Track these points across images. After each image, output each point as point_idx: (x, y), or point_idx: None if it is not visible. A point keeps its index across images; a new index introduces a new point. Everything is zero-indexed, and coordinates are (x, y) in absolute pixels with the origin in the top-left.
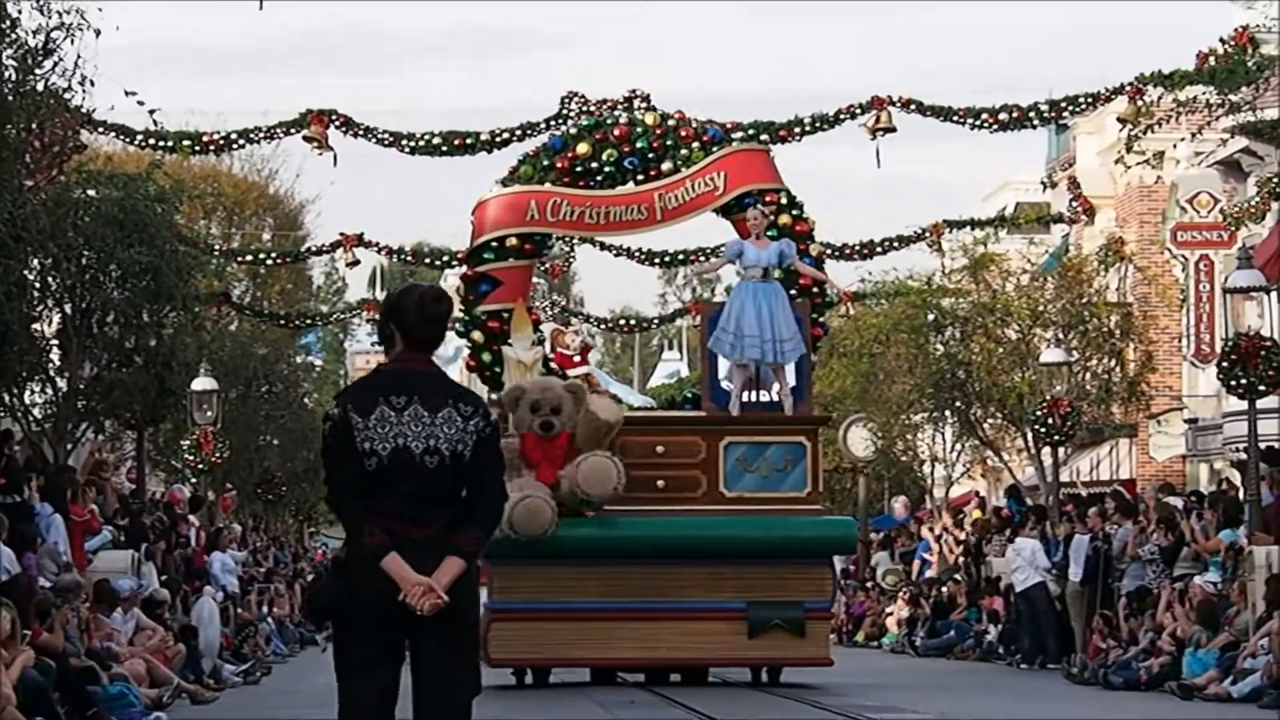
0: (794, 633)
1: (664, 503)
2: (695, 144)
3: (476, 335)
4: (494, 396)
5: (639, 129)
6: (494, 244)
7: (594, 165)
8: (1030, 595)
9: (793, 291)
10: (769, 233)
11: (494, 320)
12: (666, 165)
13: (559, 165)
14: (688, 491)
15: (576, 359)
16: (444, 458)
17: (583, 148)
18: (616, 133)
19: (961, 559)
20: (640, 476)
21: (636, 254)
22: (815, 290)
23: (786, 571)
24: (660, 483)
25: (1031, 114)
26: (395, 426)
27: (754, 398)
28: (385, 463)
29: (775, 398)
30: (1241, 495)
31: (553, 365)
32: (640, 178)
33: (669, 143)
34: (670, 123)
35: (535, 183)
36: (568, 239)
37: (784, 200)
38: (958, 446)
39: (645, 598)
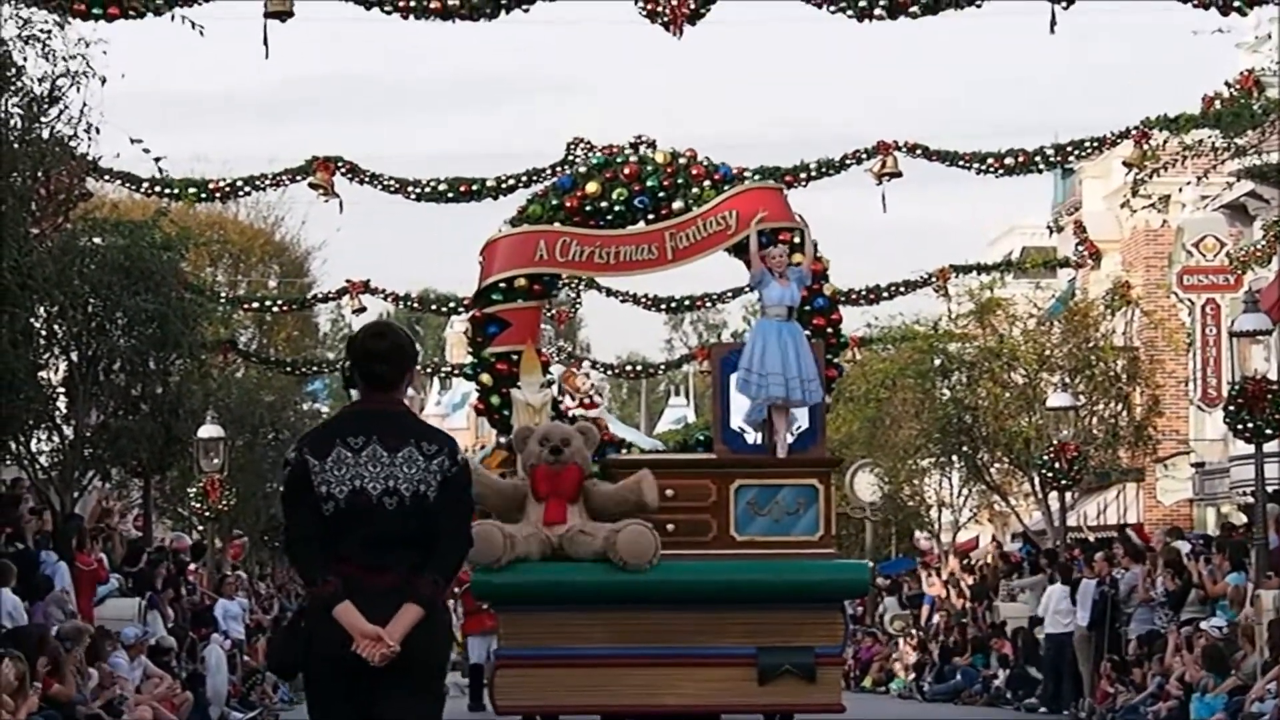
0: (805, 678)
1: (674, 547)
2: (706, 182)
3: (485, 378)
4: (502, 440)
5: (649, 167)
6: (502, 285)
7: (603, 204)
8: (1058, 640)
9: (807, 332)
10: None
11: (502, 363)
12: (678, 204)
13: (568, 205)
14: (698, 535)
15: (586, 402)
16: (404, 499)
17: (592, 187)
18: (626, 171)
19: (969, 604)
20: (650, 521)
21: (643, 300)
22: (830, 331)
23: (797, 616)
24: (670, 526)
25: (1037, 158)
26: (352, 468)
27: (767, 440)
28: (342, 505)
29: (780, 439)
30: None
31: (563, 408)
32: (651, 217)
33: (680, 181)
34: (681, 161)
35: (544, 222)
36: (574, 284)
37: (797, 240)
38: (964, 491)
39: (654, 643)
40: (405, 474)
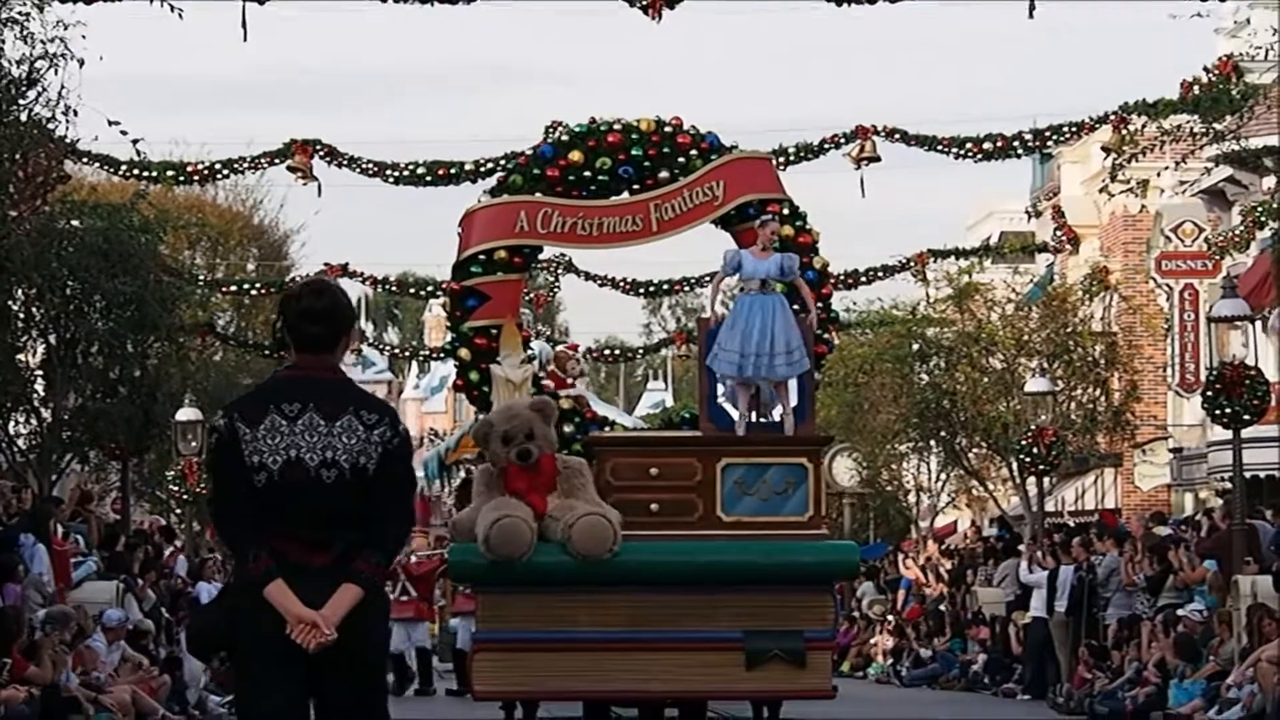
0: (794, 663)
1: (658, 527)
2: (693, 151)
3: (463, 353)
4: (481, 417)
5: (634, 136)
6: (481, 257)
7: (586, 174)
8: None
9: (795, 307)
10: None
11: (481, 337)
12: (663, 174)
13: (550, 174)
14: (683, 515)
15: (571, 382)
16: (343, 471)
17: (575, 155)
18: (610, 140)
19: (946, 589)
20: (633, 500)
21: (621, 283)
22: (820, 305)
23: (786, 599)
24: (654, 506)
25: (1016, 143)
26: (287, 437)
27: (756, 418)
28: (276, 477)
29: (778, 418)
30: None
31: (544, 384)
32: (635, 187)
33: (665, 150)
34: (667, 129)
35: (525, 192)
36: (551, 268)
37: (786, 211)
38: (943, 476)
39: (638, 627)
40: (344, 444)
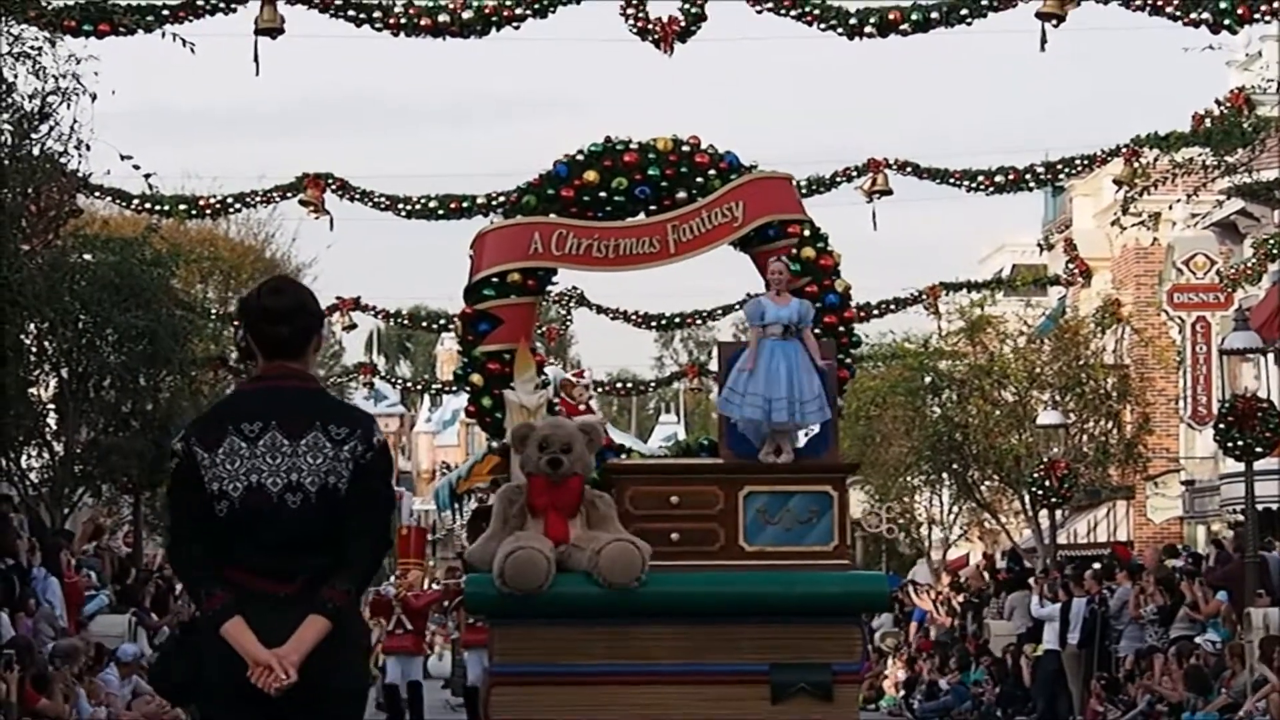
0: (821, 697)
1: (678, 557)
2: (711, 171)
3: (476, 378)
4: (494, 445)
5: (650, 155)
6: (494, 280)
7: (602, 195)
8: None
9: (817, 330)
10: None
11: (494, 362)
12: (681, 194)
13: (564, 195)
14: (704, 545)
15: (582, 408)
16: (309, 495)
17: (590, 175)
18: (626, 159)
19: (956, 621)
20: (653, 529)
21: (633, 317)
22: (842, 330)
23: (813, 631)
24: (674, 536)
25: (1028, 176)
26: (247, 461)
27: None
28: (237, 506)
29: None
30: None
31: (559, 410)
32: (652, 208)
33: (683, 170)
34: (685, 148)
35: (539, 213)
36: (563, 302)
37: (807, 232)
38: (955, 509)
39: (659, 660)
40: (310, 465)
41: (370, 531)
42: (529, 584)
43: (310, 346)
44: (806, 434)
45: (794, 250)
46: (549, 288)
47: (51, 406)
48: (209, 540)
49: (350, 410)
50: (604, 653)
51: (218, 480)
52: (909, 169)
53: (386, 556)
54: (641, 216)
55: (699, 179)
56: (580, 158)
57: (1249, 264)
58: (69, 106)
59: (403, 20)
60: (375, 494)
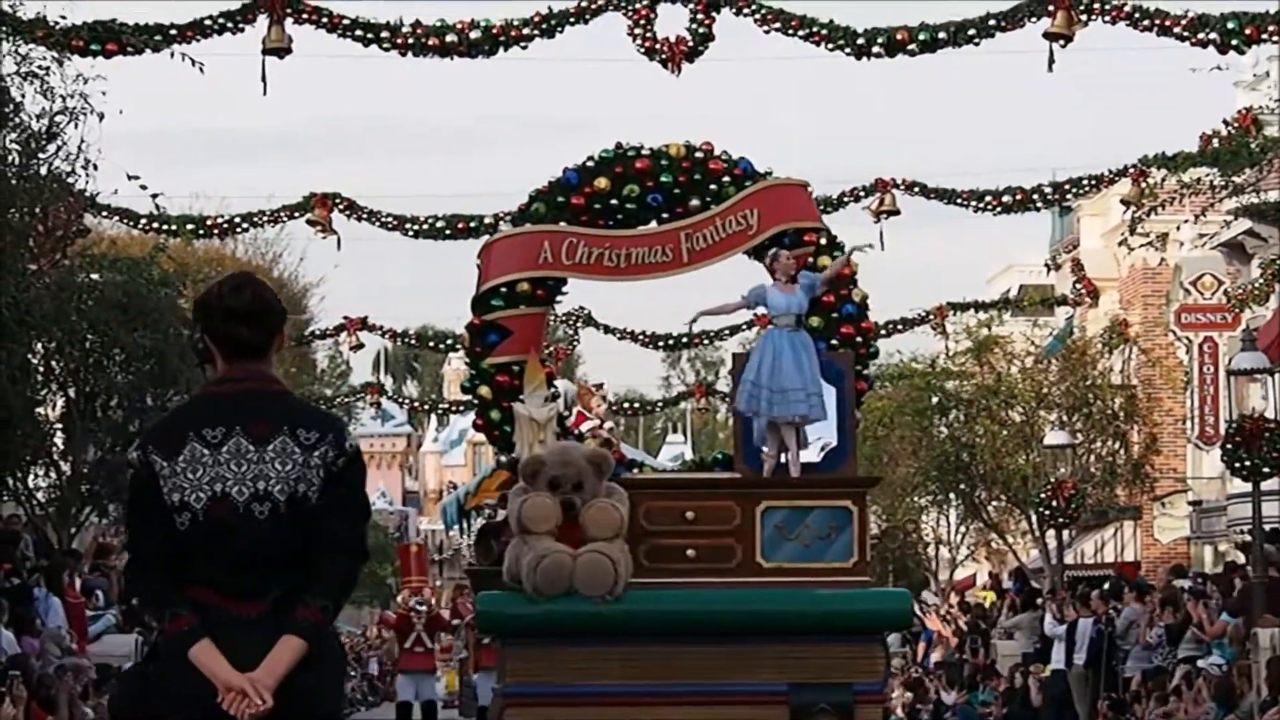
0: (842, 718)
1: (694, 574)
2: (725, 178)
3: (484, 391)
4: (502, 459)
5: (663, 162)
6: (503, 290)
7: (613, 202)
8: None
9: (834, 341)
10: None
11: (503, 374)
12: (694, 202)
13: (575, 202)
14: (721, 562)
15: (597, 420)
16: (277, 505)
17: (601, 182)
18: (638, 166)
19: (965, 641)
20: (668, 545)
21: (640, 337)
22: (859, 340)
23: (834, 650)
24: (690, 552)
25: (1035, 196)
26: (210, 469)
27: (781, 462)
28: (200, 518)
29: (793, 458)
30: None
31: (569, 425)
32: (665, 215)
33: (696, 177)
34: (698, 155)
35: (548, 221)
36: (571, 322)
37: (823, 241)
38: (962, 529)
39: (676, 680)
40: (278, 472)
41: (345, 544)
42: (562, 586)
43: (274, 347)
44: (823, 447)
45: (810, 259)
46: (559, 298)
47: (59, 426)
48: (170, 557)
49: (319, 413)
50: (619, 673)
51: (178, 491)
52: (916, 189)
53: (390, 576)
54: (654, 225)
55: (713, 186)
56: (591, 164)
57: (1256, 284)
58: (76, 126)
59: (410, 41)
60: (349, 503)
